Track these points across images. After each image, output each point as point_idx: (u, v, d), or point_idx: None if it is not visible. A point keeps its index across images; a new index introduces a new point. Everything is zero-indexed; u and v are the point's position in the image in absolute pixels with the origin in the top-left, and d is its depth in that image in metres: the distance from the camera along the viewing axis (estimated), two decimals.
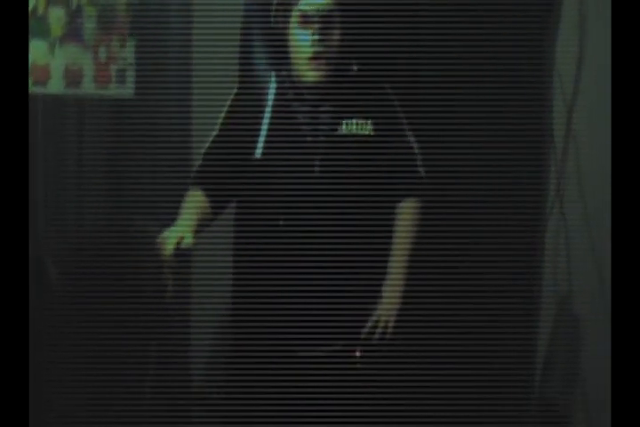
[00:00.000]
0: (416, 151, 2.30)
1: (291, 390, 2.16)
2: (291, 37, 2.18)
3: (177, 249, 2.02)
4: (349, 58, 2.25)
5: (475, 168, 2.70)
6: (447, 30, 2.67)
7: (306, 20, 2.15)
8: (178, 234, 2.05)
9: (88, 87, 2.51)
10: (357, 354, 2.23)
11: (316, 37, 2.13)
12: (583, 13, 2.67)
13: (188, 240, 2.05)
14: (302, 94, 2.22)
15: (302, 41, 2.15)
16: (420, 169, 2.30)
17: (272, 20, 2.21)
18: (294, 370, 2.19)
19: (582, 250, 2.72)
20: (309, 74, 2.18)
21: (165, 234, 2.06)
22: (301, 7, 2.14)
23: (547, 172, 2.77)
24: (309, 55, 2.15)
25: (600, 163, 2.66)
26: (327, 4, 2.15)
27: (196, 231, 2.12)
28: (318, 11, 2.14)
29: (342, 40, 2.18)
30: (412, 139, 2.30)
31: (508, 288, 2.71)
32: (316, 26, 2.13)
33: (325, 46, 2.15)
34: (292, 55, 2.20)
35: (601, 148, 2.61)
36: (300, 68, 2.19)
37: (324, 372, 2.16)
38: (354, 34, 2.21)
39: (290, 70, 2.23)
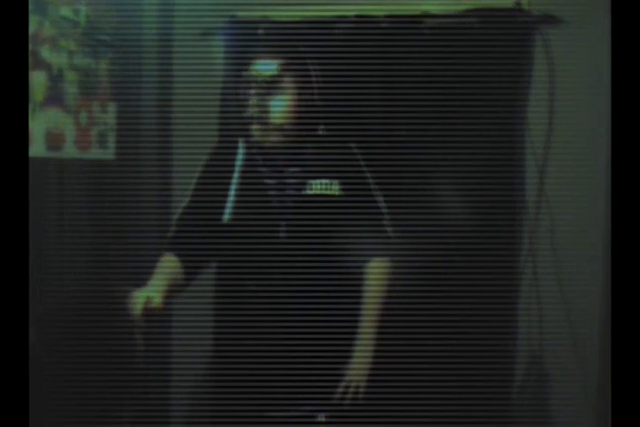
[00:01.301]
0: (383, 210, 2.31)
1: None
2: (247, 103, 2.21)
3: (145, 309, 2.01)
4: (309, 121, 2.27)
5: (444, 228, 2.70)
6: (416, 88, 2.74)
7: (251, 85, 2.20)
8: (147, 294, 2.04)
9: (70, 151, 2.56)
10: (322, 419, 2.22)
11: (256, 100, 2.18)
12: (552, 80, 2.73)
13: (157, 301, 2.03)
14: (269, 159, 2.24)
15: (247, 106, 2.20)
16: (388, 229, 2.30)
17: (238, 87, 2.25)
18: None
19: (555, 310, 2.73)
20: (257, 138, 2.22)
21: (134, 294, 2.04)
22: (252, 73, 2.20)
23: (519, 231, 2.79)
24: (252, 120, 2.19)
25: (573, 222, 2.72)
26: (272, 70, 2.18)
27: (167, 293, 2.10)
28: (262, 75, 2.18)
29: (295, 105, 2.20)
30: (379, 198, 2.31)
31: (483, 348, 2.71)
32: (258, 89, 2.18)
33: (265, 109, 2.18)
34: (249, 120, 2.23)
35: (574, 205, 2.68)
36: (253, 131, 2.22)
37: None
38: (310, 100, 2.23)
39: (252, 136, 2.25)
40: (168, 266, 2.22)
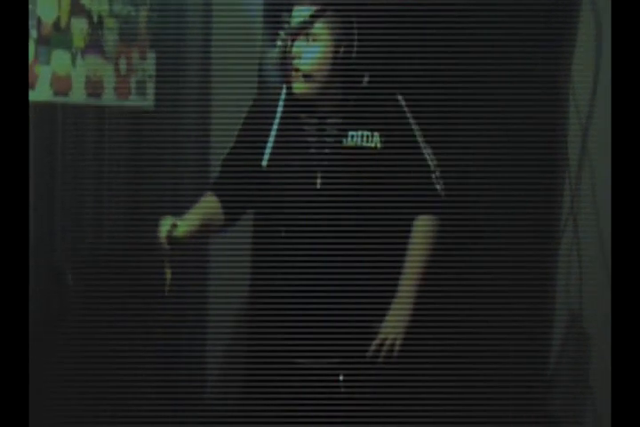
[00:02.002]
0: (432, 166, 2.26)
1: (288, 396, 2.18)
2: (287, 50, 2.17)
3: (169, 237, 2.04)
4: (350, 71, 2.22)
5: (491, 185, 2.68)
6: (462, 40, 2.68)
7: (290, 32, 2.15)
8: (172, 221, 2.06)
9: (109, 98, 2.55)
10: (340, 378, 2.22)
11: (286, 49, 2.14)
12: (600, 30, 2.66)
13: (181, 229, 2.06)
14: (309, 106, 2.22)
15: (287, 53, 2.15)
16: (437, 185, 2.25)
17: (276, 34, 2.21)
18: (293, 377, 2.20)
19: (595, 267, 2.70)
20: (294, 85, 2.18)
21: (162, 221, 2.08)
22: (285, 20, 2.16)
23: (561, 189, 2.76)
24: (286, 67, 2.16)
25: None
26: (305, 16, 2.13)
27: (200, 227, 2.12)
28: (299, 22, 2.14)
29: (331, 52, 2.15)
30: (427, 152, 2.26)
31: (521, 306, 2.70)
32: (295, 35, 2.13)
33: (296, 58, 2.13)
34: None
35: None
36: (292, 79, 2.17)
37: (322, 384, 2.18)
38: (345, 47, 2.17)
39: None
40: (206, 204, 2.24)
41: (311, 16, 2.13)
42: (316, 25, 2.13)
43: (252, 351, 2.38)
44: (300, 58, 2.14)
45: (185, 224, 2.08)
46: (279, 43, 2.16)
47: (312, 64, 2.15)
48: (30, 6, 2.13)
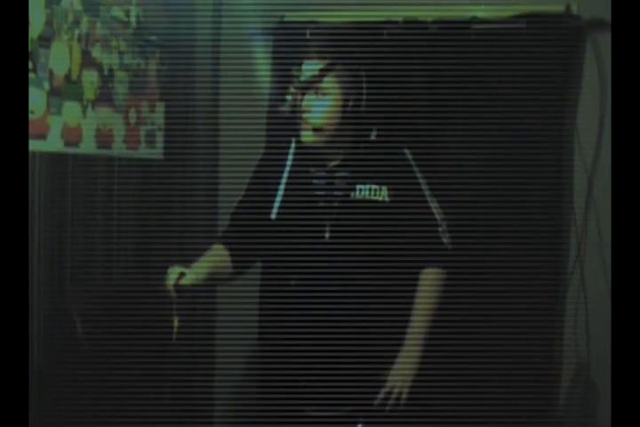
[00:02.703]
0: (438, 218, 2.28)
1: None
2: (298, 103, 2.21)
3: (177, 285, 2.07)
4: (358, 125, 2.26)
5: (497, 238, 2.70)
6: (467, 91, 2.73)
7: (300, 84, 2.19)
8: (181, 270, 2.09)
9: (118, 149, 2.60)
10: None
11: (297, 102, 2.18)
12: (604, 77, 2.70)
13: (189, 277, 2.09)
14: (318, 160, 2.26)
15: (292, 106, 2.20)
16: (444, 237, 2.27)
17: (289, 88, 2.25)
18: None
19: (602, 315, 2.70)
20: (303, 137, 2.22)
21: (170, 269, 2.11)
22: (295, 73, 2.21)
23: (567, 237, 2.77)
24: (296, 120, 2.21)
25: None
26: (315, 70, 2.17)
27: (208, 276, 2.16)
28: (309, 76, 2.17)
29: (341, 106, 2.19)
30: (434, 205, 2.28)
31: (529, 356, 2.69)
32: (305, 89, 2.18)
33: (306, 111, 2.17)
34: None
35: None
36: (301, 131, 2.22)
37: None
38: (357, 102, 2.21)
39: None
40: (215, 254, 2.27)
41: (320, 70, 2.17)
42: (325, 79, 2.17)
43: (262, 402, 2.36)
44: (309, 112, 2.17)
45: (193, 273, 2.12)
46: (289, 97, 2.21)
47: (322, 117, 2.18)
48: (42, 59, 2.18)
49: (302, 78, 2.18)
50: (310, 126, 2.19)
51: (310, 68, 2.18)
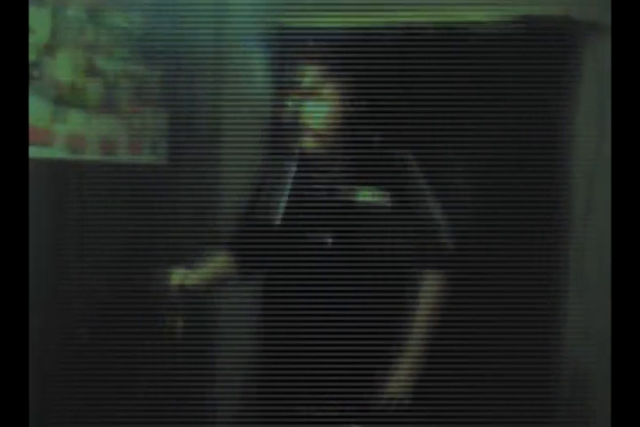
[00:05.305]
0: (440, 222, 2.28)
1: None
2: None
3: (180, 286, 2.12)
4: (358, 129, 2.27)
5: (499, 243, 2.72)
6: (469, 99, 2.76)
7: (292, 91, 2.22)
8: (184, 271, 2.16)
9: (122, 155, 2.62)
10: None
11: (293, 108, 2.20)
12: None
13: (192, 277, 2.16)
14: (319, 165, 2.27)
15: (297, 112, 2.21)
16: (445, 241, 2.28)
17: (282, 93, 2.28)
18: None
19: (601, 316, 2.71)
20: (304, 144, 2.23)
21: (173, 271, 2.17)
22: (291, 79, 2.23)
23: (566, 248, 2.78)
24: (293, 126, 2.22)
25: None
26: (311, 75, 2.19)
27: (209, 280, 2.23)
28: (300, 82, 2.20)
29: (338, 111, 2.21)
30: (435, 209, 2.28)
31: (531, 357, 2.71)
32: (302, 95, 2.20)
33: (302, 117, 2.19)
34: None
35: None
36: (301, 138, 2.23)
37: None
38: (352, 106, 2.23)
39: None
40: (218, 260, 2.35)
41: (320, 76, 2.19)
42: (325, 84, 2.19)
43: (263, 402, 2.38)
44: (310, 118, 2.19)
45: (196, 274, 2.19)
46: (289, 103, 2.22)
47: (322, 123, 2.20)
48: (48, 67, 2.21)
49: (303, 83, 2.20)
50: (311, 132, 2.21)
51: (309, 73, 2.20)
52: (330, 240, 2.22)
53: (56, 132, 2.26)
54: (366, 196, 2.23)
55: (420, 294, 2.26)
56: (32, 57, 2.13)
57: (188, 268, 2.19)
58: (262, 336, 2.38)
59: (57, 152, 2.27)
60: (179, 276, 2.15)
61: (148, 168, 2.80)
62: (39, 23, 2.15)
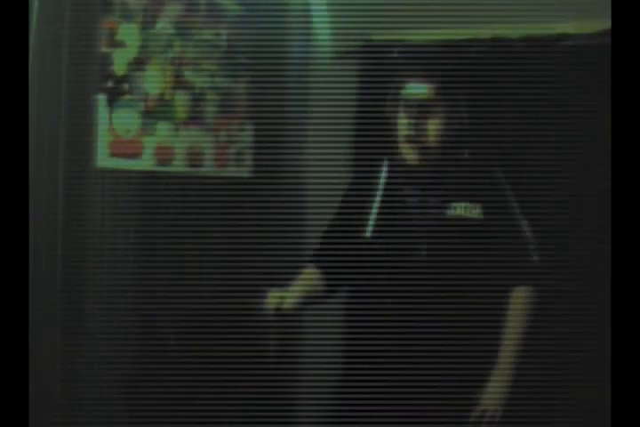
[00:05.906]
0: (529, 238, 2.26)
1: None
2: (396, 122, 2.25)
3: (277, 309, 2.09)
4: (458, 143, 2.28)
5: (589, 257, 2.65)
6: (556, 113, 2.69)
7: (407, 106, 2.22)
8: (281, 294, 2.12)
9: (208, 168, 2.65)
10: None
11: (412, 122, 2.20)
12: None
13: (290, 301, 2.12)
14: (412, 178, 2.26)
15: (402, 125, 2.23)
16: (534, 256, 2.25)
17: (385, 107, 2.29)
18: None
19: None
20: (406, 157, 2.24)
21: (270, 293, 2.13)
22: (405, 96, 2.23)
23: None
24: (404, 138, 2.22)
25: None
26: (428, 93, 2.21)
27: (303, 300, 2.18)
28: (418, 99, 2.21)
29: (446, 127, 2.22)
30: (523, 223, 2.27)
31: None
32: (414, 111, 2.21)
33: (420, 130, 2.20)
34: (397, 139, 2.27)
35: None
36: (402, 151, 2.25)
37: None
38: (461, 122, 2.26)
39: (399, 154, 2.29)
40: (309, 277, 2.30)
41: (432, 93, 2.21)
42: (433, 102, 2.21)
43: (350, 422, 2.36)
44: (425, 133, 2.20)
45: (293, 296, 2.14)
46: (403, 120, 2.23)
47: (436, 138, 2.21)
48: (137, 81, 2.25)
49: (414, 101, 2.22)
50: (418, 147, 2.22)
51: (419, 91, 2.22)
52: (425, 253, 2.20)
53: (144, 145, 2.31)
54: (460, 209, 2.22)
55: (511, 310, 2.24)
56: (122, 71, 2.18)
57: (281, 287, 2.17)
58: (351, 351, 2.37)
59: (145, 164, 2.32)
60: (275, 299, 2.12)
61: (234, 180, 2.82)
62: (129, 38, 2.20)
